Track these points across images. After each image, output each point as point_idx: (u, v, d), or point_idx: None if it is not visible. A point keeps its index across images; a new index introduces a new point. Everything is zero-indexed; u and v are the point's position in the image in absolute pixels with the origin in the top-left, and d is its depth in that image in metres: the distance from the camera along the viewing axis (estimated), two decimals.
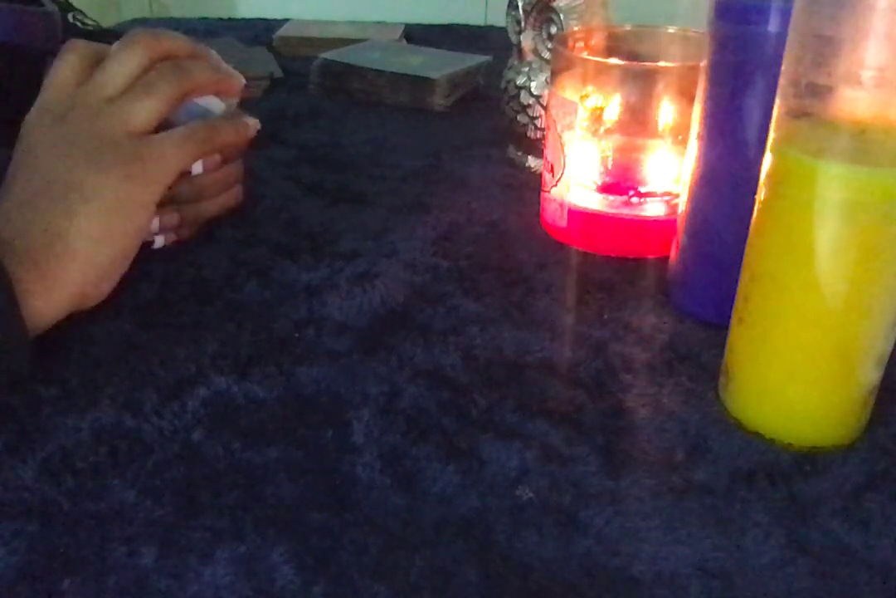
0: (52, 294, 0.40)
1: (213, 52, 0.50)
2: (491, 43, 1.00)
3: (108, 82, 0.44)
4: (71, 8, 0.63)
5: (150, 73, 0.45)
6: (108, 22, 0.68)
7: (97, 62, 0.46)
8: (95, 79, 0.45)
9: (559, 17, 0.61)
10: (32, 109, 0.45)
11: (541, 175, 0.56)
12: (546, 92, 0.62)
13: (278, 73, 0.90)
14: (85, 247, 0.41)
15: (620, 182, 0.53)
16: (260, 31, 1.07)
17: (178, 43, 0.47)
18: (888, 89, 0.31)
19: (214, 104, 0.49)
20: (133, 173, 0.42)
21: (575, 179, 0.53)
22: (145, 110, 0.44)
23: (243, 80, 0.50)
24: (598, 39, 0.55)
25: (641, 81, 0.51)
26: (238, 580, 0.30)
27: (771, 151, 0.35)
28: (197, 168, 0.48)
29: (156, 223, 0.47)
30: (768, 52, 0.39)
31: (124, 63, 0.45)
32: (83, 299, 0.42)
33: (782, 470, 0.36)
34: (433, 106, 0.82)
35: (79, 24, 0.62)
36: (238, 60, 0.51)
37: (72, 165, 0.42)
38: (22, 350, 0.37)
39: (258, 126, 0.50)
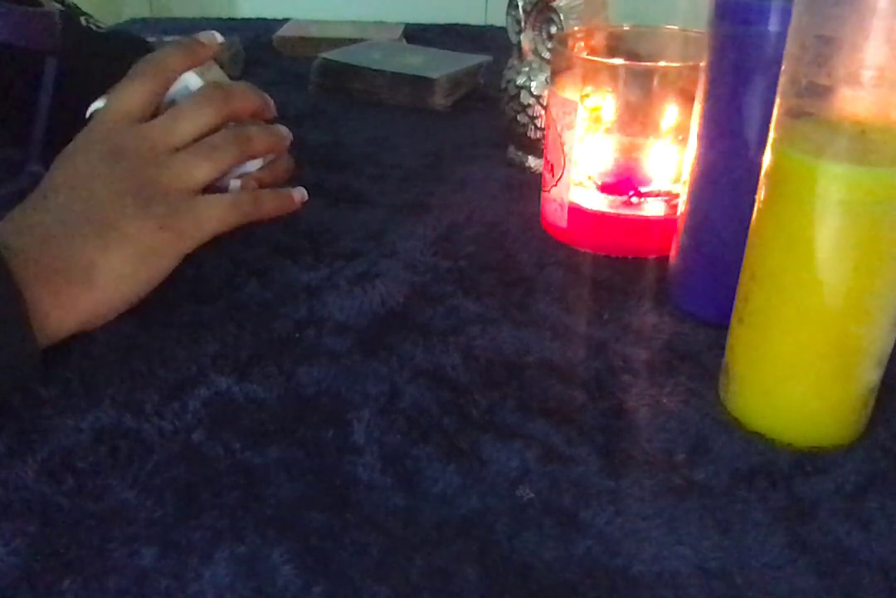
0: (65, 319, 0.40)
1: (272, 103, 0.51)
2: (491, 43, 1.01)
3: (175, 134, 0.45)
4: (81, 11, 0.63)
5: (216, 136, 0.46)
6: (108, 21, 0.68)
7: (165, 89, 0.47)
8: (163, 126, 0.45)
9: (559, 17, 0.61)
10: (88, 128, 0.45)
11: (541, 175, 0.56)
12: (546, 92, 0.62)
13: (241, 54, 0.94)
14: (108, 283, 0.42)
15: (620, 182, 0.53)
16: (260, 31, 1.07)
17: (247, 100, 0.49)
18: (888, 89, 0.31)
19: (251, 162, 0.50)
20: (175, 226, 0.43)
21: (575, 178, 0.53)
22: (203, 174, 0.45)
23: (290, 138, 0.51)
24: (598, 39, 0.55)
25: (641, 81, 0.51)
26: (238, 580, 0.30)
27: (771, 151, 0.35)
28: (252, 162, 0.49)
29: (235, 183, 0.49)
30: (768, 52, 0.39)
31: (196, 121, 0.46)
32: (87, 325, 0.42)
33: (782, 470, 0.36)
34: (433, 106, 0.82)
35: (93, 26, 0.62)
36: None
37: (121, 206, 0.43)
38: (33, 367, 0.38)
39: (304, 197, 0.51)
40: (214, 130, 0.47)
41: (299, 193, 0.51)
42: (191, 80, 0.48)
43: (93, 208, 0.42)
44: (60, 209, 0.42)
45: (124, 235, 0.42)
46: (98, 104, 0.47)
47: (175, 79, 0.48)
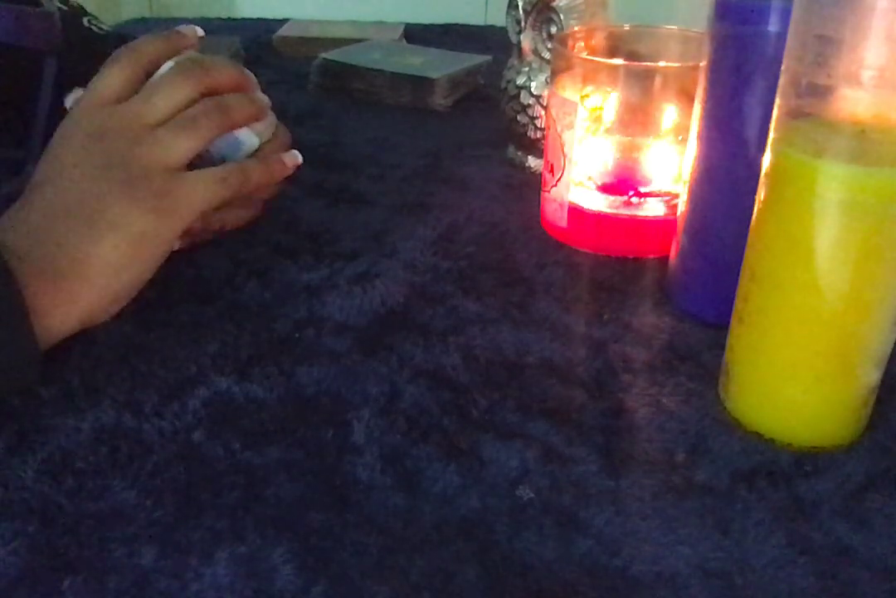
0: (65, 315, 0.40)
1: (252, 77, 0.50)
2: (491, 43, 1.00)
3: (153, 109, 0.44)
4: (85, 12, 0.63)
5: (194, 108, 0.45)
6: (108, 21, 0.68)
7: (143, 75, 0.46)
8: (140, 102, 0.44)
9: (559, 17, 0.61)
10: (68, 116, 0.45)
11: (541, 175, 0.56)
12: (546, 92, 0.62)
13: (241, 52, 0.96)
14: (103, 273, 0.41)
15: (620, 182, 0.53)
16: (260, 31, 1.07)
17: (225, 73, 0.48)
18: (888, 89, 0.31)
19: (247, 137, 0.49)
20: (162, 208, 0.42)
21: (575, 179, 0.53)
22: (183, 147, 0.44)
23: (269, 103, 0.51)
24: (598, 39, 0.55)
25: (641, 81, 0.51)
26: (238, 581, 0.30)
27: (771, 151, 0.35)
28: (251, 141, 0.49)
29: None
30: (768, 52, 0.39)
31: (173, 93, 0.45)
32: (92, 319, 0.42)
33: (782, 470, 0.36)
34: (433, 106, 0.82)
35: (94, 28, 0.62)
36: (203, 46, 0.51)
37: (104, 191, 0.42)
38: (34, 367, 0.38)
39: (297, 160, 0.50)
40: (193, 104, 0.46)
41: (291, 158, 0.49)
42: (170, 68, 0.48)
43: (77, 197, 0.41)
44: (46, 202, 0.42)
45: (112, 222, 0.41)
46: (76, 95, 0.46)
47: (153, 66, 0.47)
